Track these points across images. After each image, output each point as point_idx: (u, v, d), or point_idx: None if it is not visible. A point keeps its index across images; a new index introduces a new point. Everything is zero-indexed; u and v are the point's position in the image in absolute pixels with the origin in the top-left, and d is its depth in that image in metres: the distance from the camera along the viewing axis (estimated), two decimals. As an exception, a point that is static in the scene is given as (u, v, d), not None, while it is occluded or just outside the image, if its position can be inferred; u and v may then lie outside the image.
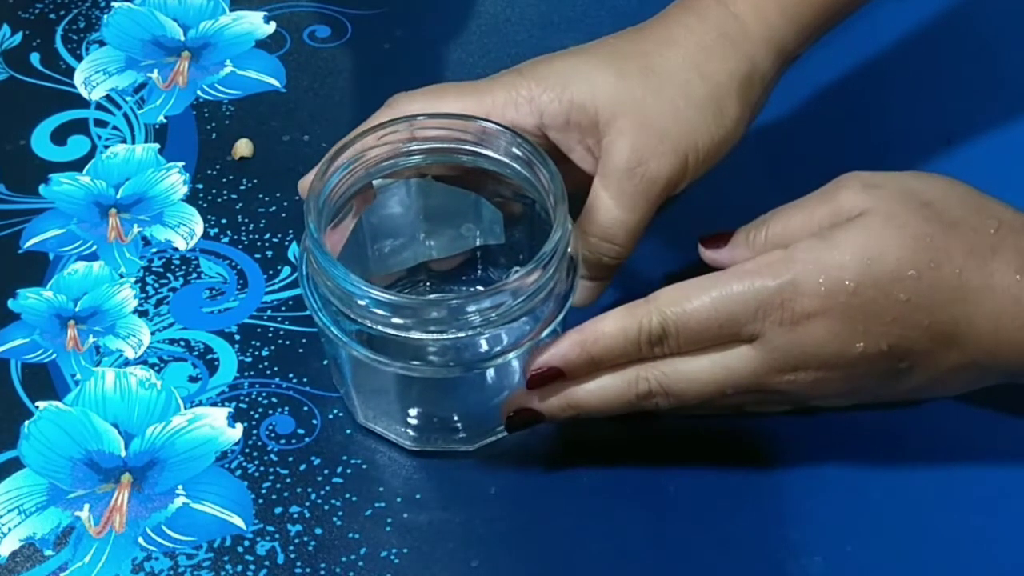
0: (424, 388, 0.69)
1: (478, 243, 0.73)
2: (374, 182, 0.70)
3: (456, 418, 0.71)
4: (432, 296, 0.74)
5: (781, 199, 0.76)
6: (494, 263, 0.75)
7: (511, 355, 0.65)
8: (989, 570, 0.67)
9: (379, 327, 0.63)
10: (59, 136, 0.85)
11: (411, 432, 0.70)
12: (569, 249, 0.66)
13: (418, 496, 0.69)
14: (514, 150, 0.68)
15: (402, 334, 0.63)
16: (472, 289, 0.74)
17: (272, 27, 0.91)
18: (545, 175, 0.66)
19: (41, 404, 0.72)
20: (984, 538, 0.67)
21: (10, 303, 0.76)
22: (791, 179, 0.79)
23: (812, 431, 0.71)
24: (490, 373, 0.69)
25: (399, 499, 0.68)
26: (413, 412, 0.70)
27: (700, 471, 0.69)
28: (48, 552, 0.66)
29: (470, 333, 0.63)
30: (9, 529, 0.67)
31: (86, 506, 0.68)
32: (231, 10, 0.93)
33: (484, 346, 0.65)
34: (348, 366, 0.68)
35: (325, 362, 0.73)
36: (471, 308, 0.63)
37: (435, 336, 0.63)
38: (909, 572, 0.66)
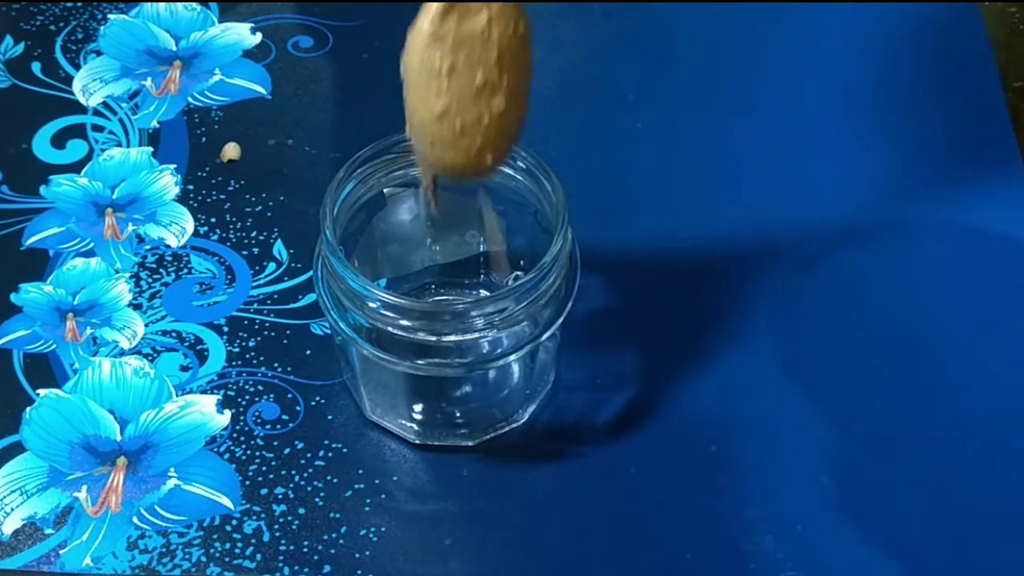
0: (428, 386, 0.68)
1: (481, 249, 0.73)
2: (385, 190, 0.69)
3: (458, 415, 0.70)
4: (438, 300, 0.73)
5: (733, 213, 0.80)
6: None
7: (511, 357, 0.65)
8: (934, 541, 0.67)
9: (388, 328, 0.63)
10: (59, 140, 0.84)
11: (415, 427, 0.70)
12: (569, 258, 0.65)
13: (395, 479, 0.69)
14: (518, 163, 0.67)
15: (409, 335, 0.63)
16: (476, 294, 0.73)
17: (258, 38, 0.91)
18: (547, 187, 0.66)
19: (42, 391, 0.72)
20: (930, 513, 0.68)
21: (12, 297, 0.76)
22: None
23: (764, 413, 0.71)
24: (491, 374, 0.69)
25: (377, 481, 0.68)
26: (418, 408, 0.70)
27: (661, 456, 0.70)
28: (48, 530, 0.66)
29: (473, 336, 0.63)
30: (12, 509, 0.67)
31: (84, 487, 0.68)
32: (220, 22, 0.92)
33: (486, 348, 0.65)
34: (358, 363, 0.68)
35: (308, 352, 0.73)
36: (475, 312, 0.62)
37: (440, 338, 0.63)
38: (854, 549, 0.66)
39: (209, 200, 0.81)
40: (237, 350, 0.74)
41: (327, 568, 0.65)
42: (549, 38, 0.90)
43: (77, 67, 0.89)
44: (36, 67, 0.89)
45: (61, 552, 0.66)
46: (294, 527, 0.67)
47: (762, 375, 0.73)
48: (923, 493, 0.68)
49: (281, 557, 0.66)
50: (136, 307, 0.76)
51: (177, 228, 0.80)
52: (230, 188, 0.82)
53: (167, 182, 0.82)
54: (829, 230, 0.80)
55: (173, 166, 0.83)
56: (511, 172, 0.68)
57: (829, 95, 0.88)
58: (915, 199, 0.81)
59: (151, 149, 0.84)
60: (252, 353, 0.74)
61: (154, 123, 0.86)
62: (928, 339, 0.75)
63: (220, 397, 0.72)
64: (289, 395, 0.72)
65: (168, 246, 0.79)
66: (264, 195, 0.81)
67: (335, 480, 0.69)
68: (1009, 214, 0.80)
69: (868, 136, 0.85)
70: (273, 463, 0.69)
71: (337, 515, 0.67)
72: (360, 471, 0.69)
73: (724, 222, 0.80)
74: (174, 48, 0.90)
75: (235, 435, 0.70)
